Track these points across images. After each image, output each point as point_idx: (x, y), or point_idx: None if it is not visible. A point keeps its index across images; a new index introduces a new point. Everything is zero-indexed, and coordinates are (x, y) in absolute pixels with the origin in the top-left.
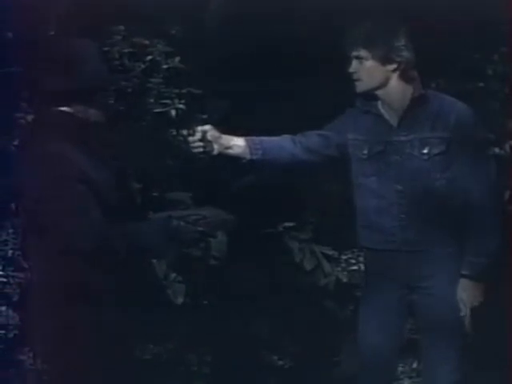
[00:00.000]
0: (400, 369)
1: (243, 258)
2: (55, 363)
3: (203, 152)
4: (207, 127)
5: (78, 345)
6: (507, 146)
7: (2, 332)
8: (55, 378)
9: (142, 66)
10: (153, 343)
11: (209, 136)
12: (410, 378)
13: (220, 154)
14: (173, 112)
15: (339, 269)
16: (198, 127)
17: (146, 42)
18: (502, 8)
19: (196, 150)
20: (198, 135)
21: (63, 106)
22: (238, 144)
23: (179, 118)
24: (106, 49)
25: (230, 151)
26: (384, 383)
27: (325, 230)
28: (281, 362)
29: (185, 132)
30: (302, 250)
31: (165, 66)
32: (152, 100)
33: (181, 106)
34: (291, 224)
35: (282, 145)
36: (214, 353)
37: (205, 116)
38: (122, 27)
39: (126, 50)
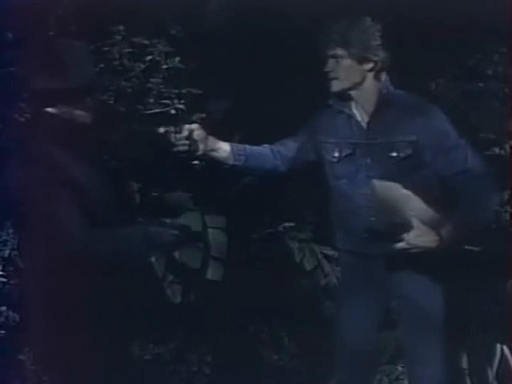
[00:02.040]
0: (400, 369)
1: (243, 258)
2: (54, 364)
3: (188, 151)
4: (194, 126)
5: (73, 346)
6: (507, 146)
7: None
8: (55, 378)
9: (142, 66)
10: (153, 343)
11: (195, 135)
12: None
13: (204, 155)
14: (172, 112)
15: (339, 269)
16: (185, 125)
17: (146, 41)
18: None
19: (181, 148)
20: (185, 133)
21: (51, 105)
22: (222, 148)
23: (179, 117)
24: (105, 49)
25: (215, 154)
26: None
27: (324, 229)
28: (281, 362)
29: (171, 129)
30: (302, 250)
31: (165, 66)
32: (152, 100)
33: (181, 106)
34: (291, 224)
35: (264, 154)
36: (215, 353)
37: (204, 115)
38: (121, 27)
39: (125, 50)
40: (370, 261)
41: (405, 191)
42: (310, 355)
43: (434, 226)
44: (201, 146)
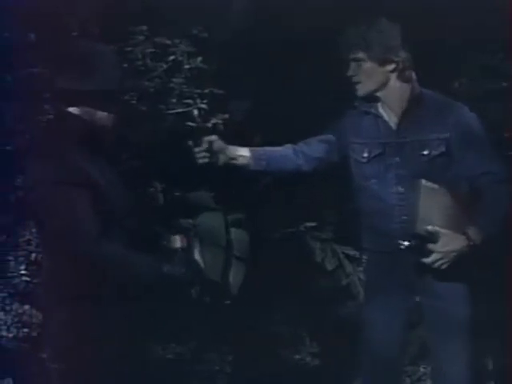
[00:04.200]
0: (422, 370)
1: (265, 257)
2: (75, 363)
3: (208, 162)
4: (213, 137)
5: (94, 345)
6: None
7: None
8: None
9: (165, 66)
10: (175, 342)
11: (215, 147)
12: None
13: (225, 165)
14: (195, 112)
15: (361, 269)
16: (204, 137)
17: (169, 42)
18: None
19: (201, 161)
20: (204, 145)
21: (73, 106)
22: (242, 155)
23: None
24: (128, 49)
25: (235, 162)
26: None
27: (346, 229)
28: (302, 362)
29: (191, 142)
30: (324, 250)
31: (187, 66)
32: (174, 100)
33: (203, 105)
34: (312, 224)
35: (285, 155)
36: (236, 352)
37: (226, 116)
38: (144, 27)
39: (148, 50)
40: (398, 260)
41: (449, 197)
42: (331, 355)
43: (460, 227)
44: (221, 157)
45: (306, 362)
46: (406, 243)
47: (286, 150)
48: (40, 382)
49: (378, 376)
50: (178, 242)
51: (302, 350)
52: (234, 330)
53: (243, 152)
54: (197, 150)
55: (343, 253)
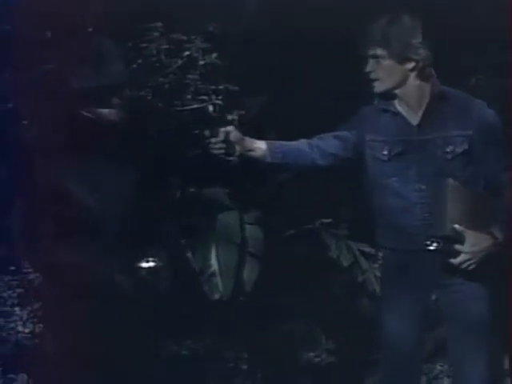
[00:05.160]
0: (439, 368)
1: (280, 254)
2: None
3: (225, 153)
4: (230, 128)
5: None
6: None
7: None
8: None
9: (179, 62)
10: (190, 339)
11: (231, 137)
12: (449, 377)
13: (241, 156)
14: (210, 108)
15: (376, 265)
16: (220, 128)
17: (184, 37)
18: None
19: (218, 152)
20: (221, 136)
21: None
22: (259, 147)
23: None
24: (143, 45)
25: (252, 153)
26: None
27: (362, 226)
28: (317, 360)
29: (207, 133)
30: (339, 247)
31: (202, 62)
32: (189, 96)
33: (218, 101)
34: (328, 220)
35: (301, 149)
36: (251, 349)
37: (242, 112)
38: (159, 24)
39: (163, 47)
40: (417, 258)
41: (473, 195)
42: (346, 352)
43: (485, 226)
44: (237, 148)
45: (321, 359)
46: (435, 245)
47: (301, 143)
48: (53, 378)
49: (395, 374)
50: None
51: (317, 347)
52: (249, 327)
53: (259, 144)
54: (213, 140)
55: (359, 249)
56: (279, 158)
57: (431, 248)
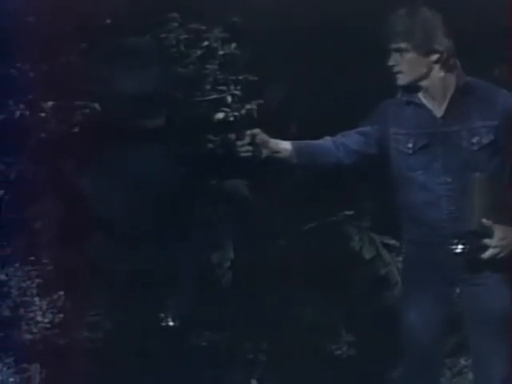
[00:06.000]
0: (463, 362)
1: (302, 246)
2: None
3: (251, 156)
4: (256, 131)
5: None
6: None
7: None
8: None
9: (198, 53)
10: (209, 331)
11: (257, 140)
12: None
13: (267, 158)
14: (229, 98)
15: (399, 258)
16: (246, 131)
17: (203, 27)
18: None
19: (244, 155)
20: (247, 139)
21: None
22: (285, 148)
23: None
24: (163, 35)
25: (278, 155)
26: (430, 379)
27: (385, 219)
28: (338, 352)
29: (233, 136)
30: (362, 239)
31: (221, 53)
32: (208, 86)
33: (237, 92)
34: (351, 212)
35: (326, 147)
36: (271, 341)
37: (261, 101)
38: (177, 14)
39: (182, 37)
40: (442, 252)
41: (499, 188)
42: (367, 345)
43: (510, 219)
44: (264, 151)
45: (342, 351)
46: (461, 247)
47: (326, 142)
48: (67, 368)
49: (417, 367)
50: None
51: (337, 339)
52: (269, 318)
53: (285, 145)
54: (239, 143)
55: (382, 242)
56: (305, 158)
57: (457, 251)
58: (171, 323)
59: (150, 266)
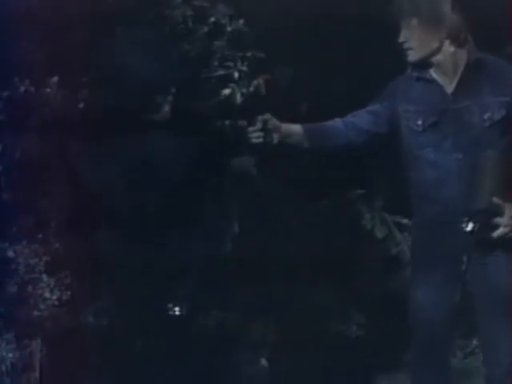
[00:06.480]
0: (475, 343)
1: (313, 226)
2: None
3: (263, 142)
4: (267, 116)
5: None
6: None
7: None
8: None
9: (206, 29)
10: (218, 311)
11: (269, 125)
12: None
13: (279, 143)
14: (236, 74)
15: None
16: (258, 116)
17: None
18: None
19: (256, 141)
20: (259, 125)
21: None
22: (296, 132)
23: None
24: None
25: (289, 140)
26: (440, 360)
27: (397, 198)
28: (348, 333)
29: (245, 122)
30: (373, 218)
31: (229, 29)
32: (216, 63)
33: (244, 68)
34: (362, 192)
35: (337, 129)
36: (279, 322)
37: (267, 76)
38: None
39: (189, 13)
40: (453, 230)
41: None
42: (378, 326)
43: None
44: (275, 136)
45: (352, 332)
46: (471, 226)
47: (336, 123)
48: (70, 344)
49: (427, 348)
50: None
51: (348, 320)
52: (278, 299)
53: (296, 129)
54: (251, 129)
55: (393, 221)
56: (316, 141)
57: (468, 229)
58: (177, 308)
59: (157, 250)
